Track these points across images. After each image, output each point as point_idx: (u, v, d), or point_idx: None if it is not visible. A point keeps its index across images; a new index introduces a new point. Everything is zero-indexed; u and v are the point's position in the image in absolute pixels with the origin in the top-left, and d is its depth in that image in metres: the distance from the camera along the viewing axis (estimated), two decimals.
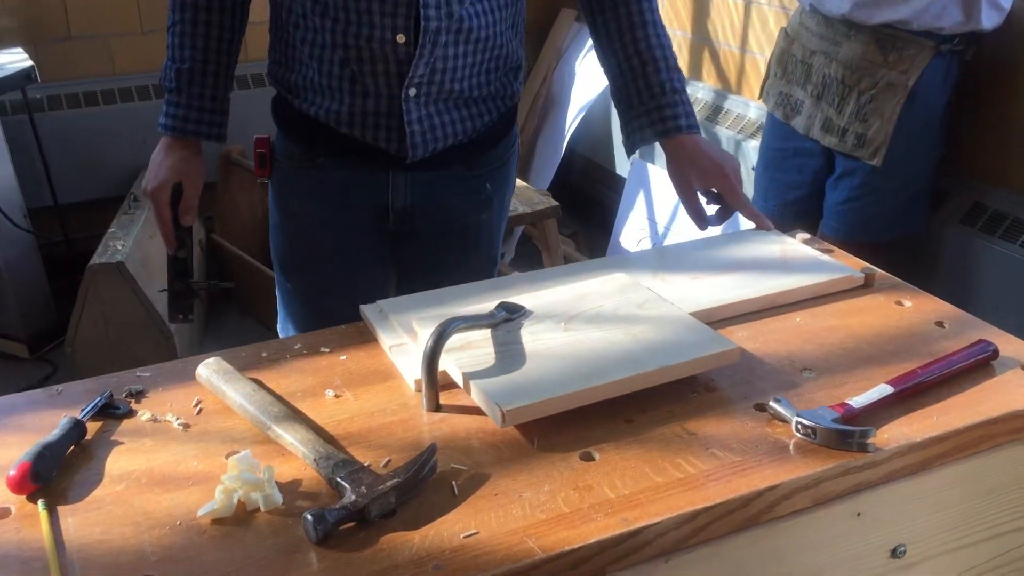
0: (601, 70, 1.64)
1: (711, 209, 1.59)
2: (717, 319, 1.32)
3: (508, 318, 1.23)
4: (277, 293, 1.75)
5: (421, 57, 1.45)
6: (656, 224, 3.34)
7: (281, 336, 1.76)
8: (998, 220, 2.32)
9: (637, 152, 3.59)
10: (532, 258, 3.32)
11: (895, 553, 1.11)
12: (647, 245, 3.38)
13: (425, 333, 1.21)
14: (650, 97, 1.56)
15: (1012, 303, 2.26)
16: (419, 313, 1.29)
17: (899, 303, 1.36)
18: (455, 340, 1.16)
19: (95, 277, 2.74)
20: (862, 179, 2.31)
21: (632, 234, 3.45)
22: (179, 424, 1.10)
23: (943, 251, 2.41)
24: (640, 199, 3.44)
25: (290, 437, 1.04)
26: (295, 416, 1.08)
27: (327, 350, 1.26)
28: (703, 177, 1.55)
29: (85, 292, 2.75)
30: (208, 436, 1.08)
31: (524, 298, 1.30)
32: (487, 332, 1.20)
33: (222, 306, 3.44)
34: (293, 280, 1.71)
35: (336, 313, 1.64)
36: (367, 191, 1.59)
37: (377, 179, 1.57)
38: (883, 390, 1.12)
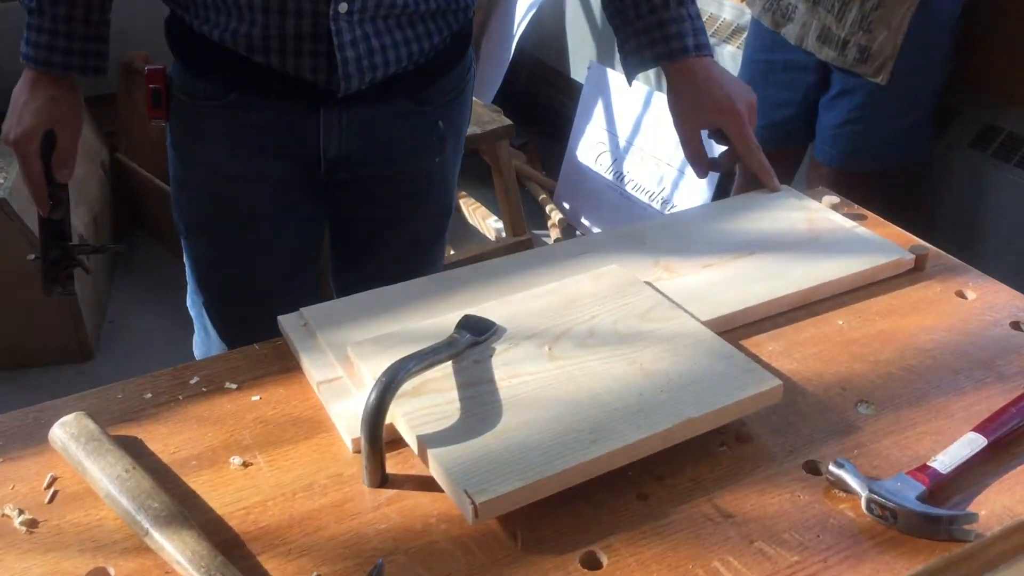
0: None
1: (715, 150, 1.28)
2: (738, 325, 1.03)
3: (475, 342, 0.93)
4: (185, 261, 1.42)
5: None
6: (616, 137, 3.02)
7: (192, 312, 1.44)
8: (1013, 144, 2.05)
9: (593, 55, 3.24)
10: (481, 175, 2.99)
11: None
12: (606, 161, 3.06)
13: (365, 369, 0.90)
14: (649, 10, 1.23)
15: None
16: (355, 330, 0.98)
17: (960, 294, 1.09)
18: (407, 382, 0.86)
19: None
20: (863, 99, 2.01)
21: (589, 148, 3.13)
22: (21, 522, 0.79)
23: (950, 180, 2.14)
24: (599, 108, 3.10)
25: (175, 550, 0.74)
26: (183, 514, 0.77)
27: (234, 386, 0.95)
28: (710, 113, 1.25)
29: None
30: (63, 542, 0.78)
31: (495, 306, 0.99)
32: (447, 366, 0.90)
33: (132, 235, 3.07)
34: (201, 248, 1.38)
35: (256, 290, 1.32)
36: (291, 135, 1.25)
37: (303, 120, 1.24)
38: (973, 442, 0.85)
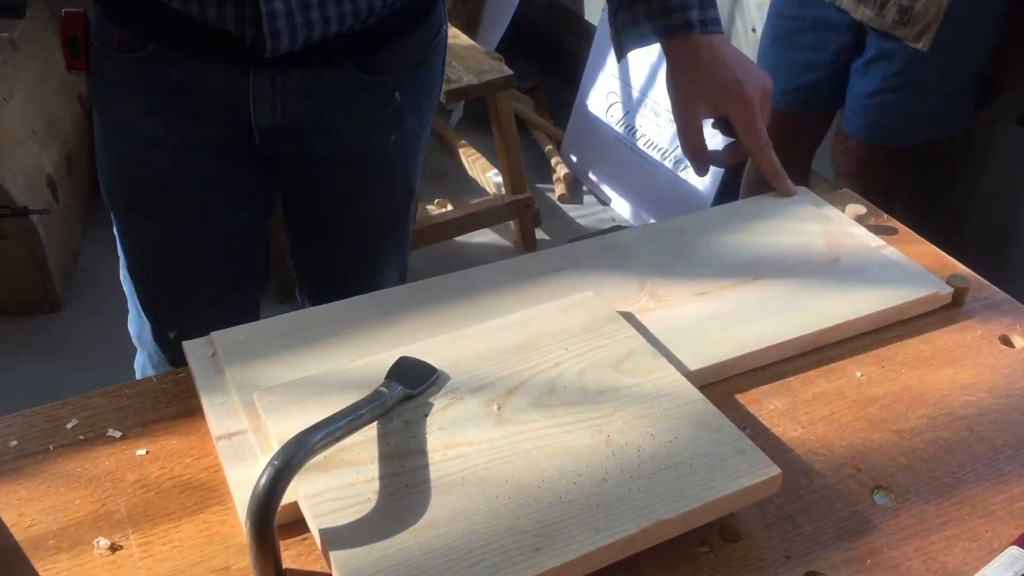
0: None
1: (718, 143, 1.09)
2: (735, 373, 0.85)
3: (408, 395, 0.76)
4: (114, 232, 1.26)
5: None
6: (630, 88, 2.80)
7: (125, 288, 1.27)
8: None
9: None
10: (483, 123, 2.79)
11: None
12: (618, 113, 2.85)
13: (272, 426, 0.74)
14: None
15: None
16: (272, 365, 0.81)
17: (1006, 340, 0.91)
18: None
19: None
20: (901, 66, 1.80)
21: (601, 98, 2.91)
22: None
23: (992, 158, 1.93)
24: (612, 55, 2.88)
25: None
26: None
27: (117, 434, 0.79)
28: (714, 98, 1.05)
29: None
30: None
31: (441, 344, 0.82)
32: (372, 428, 0.74)
33: None
34: (125, 219, 1.21)
35: (186, 270, 1.18)
36: (217, 99, 1.07)
37: (230, 82, 1.05)
38: (1016, 562, 0.68)
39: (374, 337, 0.85)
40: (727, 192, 2.46)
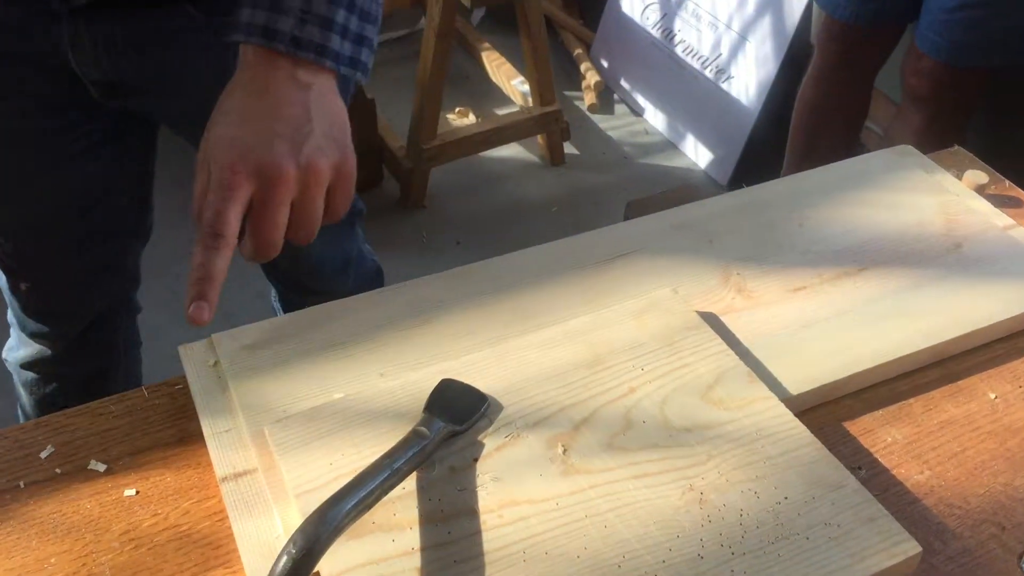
0: None
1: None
2: (842, 395, 0.71)
3: (454, 432, 0.62)
4: None
5: None
6: None
7: None
8: None
9: None
10: (507, 25, 2.57)
11: None
12: (655, 15, 2.63)
13: (287, 471, 0.60)
14: None
15: None
16: (281, 383, 0.67)
17: None
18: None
19: None
20: None
21: None
22: None
23: None
24: None
25: None
26: None
27: (101, 468, 0.65)
28: (213, 165, 0.65)
29: None
30: None
31: (486, 360, 0.67)
32: (410, 478, 0.60)
33: None
34: None
35: (30, 220, 1.02)
36: (36, 43, 0.87)
37: (46, 27, 0.86)
38: None
39: (405, 345, 0.71)
40: (774, 110, 2.26)
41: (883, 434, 0.69)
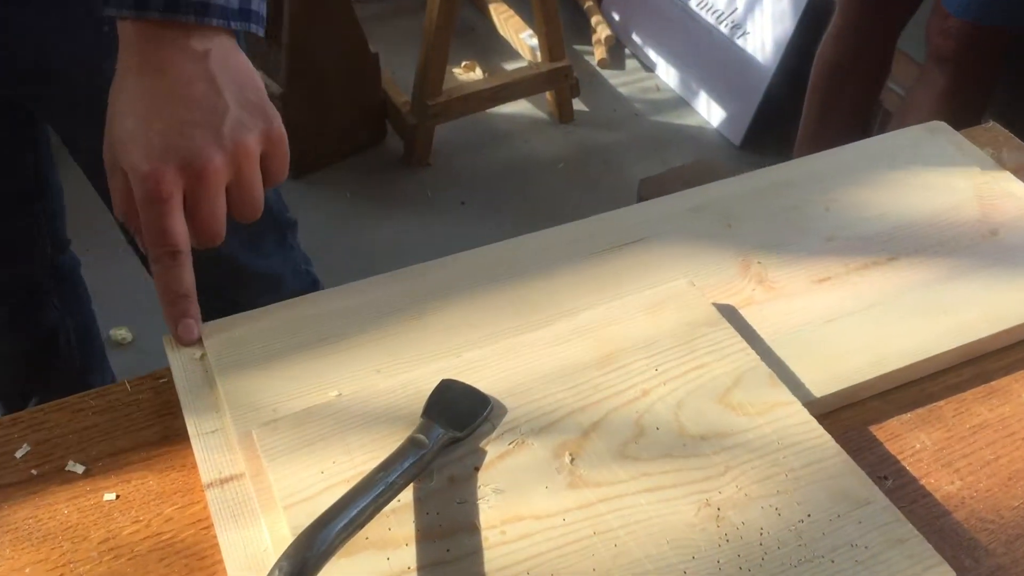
0: None
1: None
2: (869, 395, 0.67)
3: (453, 438, 0.58)
4: None
5: None
6: None
7: None
8: None
9: None
10: None
11: None
12: None
13: (280, 482, 0.56)
14: None
15: None
16: (272, 380, 0.63)
17: None
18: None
19: None
20: None
21: None
22: None
23: None
24: None
25: None
26: None
27: (79, 469, 0.61)
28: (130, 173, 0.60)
29: None
30: None
31: (488, 358, 0.63)
32: (408, 492, 0.56)
33: None
34: None
35: None
36: None
37: None
38: None
39: (404, 339, 0.66)
40: (791, 68, 2.19)
41: (911, 439, 0.64)
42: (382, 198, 2.18)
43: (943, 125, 0.86)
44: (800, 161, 0.82)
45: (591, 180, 2.26)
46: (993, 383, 0.68)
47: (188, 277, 0.58)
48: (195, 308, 0.58)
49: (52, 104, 0.90)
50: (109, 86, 0.62)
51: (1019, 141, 0.86)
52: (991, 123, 0.89)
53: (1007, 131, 0.87)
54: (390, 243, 2.03)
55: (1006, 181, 0.80)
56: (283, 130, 0.62)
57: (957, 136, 0.85)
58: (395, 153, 2.30)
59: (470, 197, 2.21)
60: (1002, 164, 0.82)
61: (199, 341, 0.64)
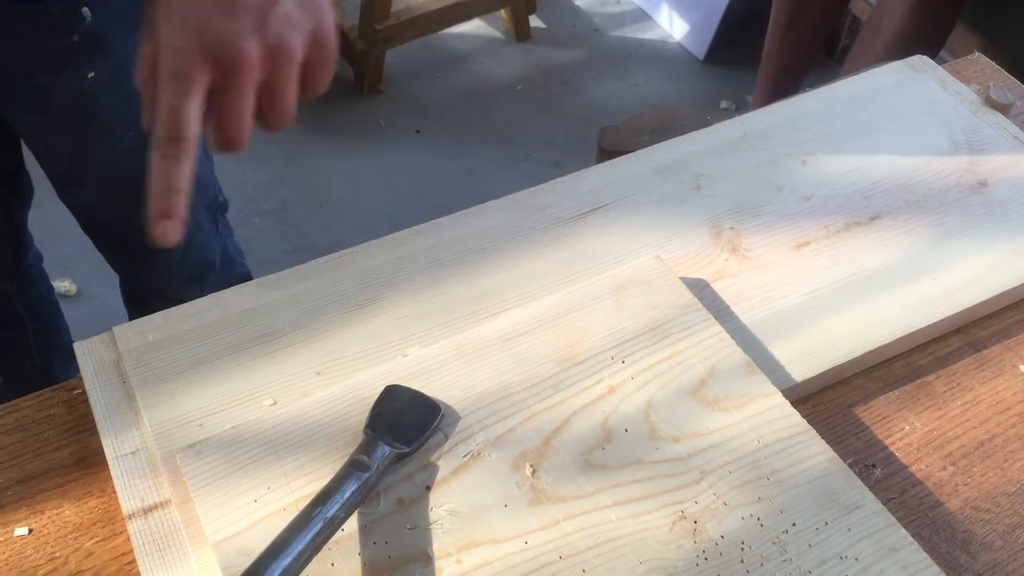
0: None
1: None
2: (853, 373, 0.62)
3: (401, 454, 0.52)
4: None
5: None
6: None
7: None
8: None
9: None
10: None
11: None
12: None
13: (208, 514, 0.51)
14: None
15: None
16: (197, 388, 0.57)
17: None
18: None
19: None
20: None
21: None
22: None
23: None
24: None
25: None
26: None
27: None
28: (160, 49, 0.52)
29: None
30: None
31: (439, 355, 0.57)
32: (352, 522, 0.50)
33: None
34: None
35: None
36: None
37: None
38: None
39: (348, 334, 0.60)
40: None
41: (900, 421, 0.60)
42: (333, 129, 2.08)
43: (926, 61, 0.79)
44: (773, 108, 0.75)
45: (552, 102, 2.17)
46: (984, 352, 0.63)
47: (185, 172, 0.51)
48: (182, 209, 0.51)
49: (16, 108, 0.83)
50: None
51: (1007, 75, 0.79)
52: (976, 54, 0.82)
53: (994, 63, 0.81)
54: (343, 176, 1.95)
55: (994, 125, 0.74)
56: (333, 33, 0.54)
57: (941, 72, 0.78)
58: (345, 81, 2.19)
59: (425, 125, 2.11)
60: (990, 102, 0.76)
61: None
